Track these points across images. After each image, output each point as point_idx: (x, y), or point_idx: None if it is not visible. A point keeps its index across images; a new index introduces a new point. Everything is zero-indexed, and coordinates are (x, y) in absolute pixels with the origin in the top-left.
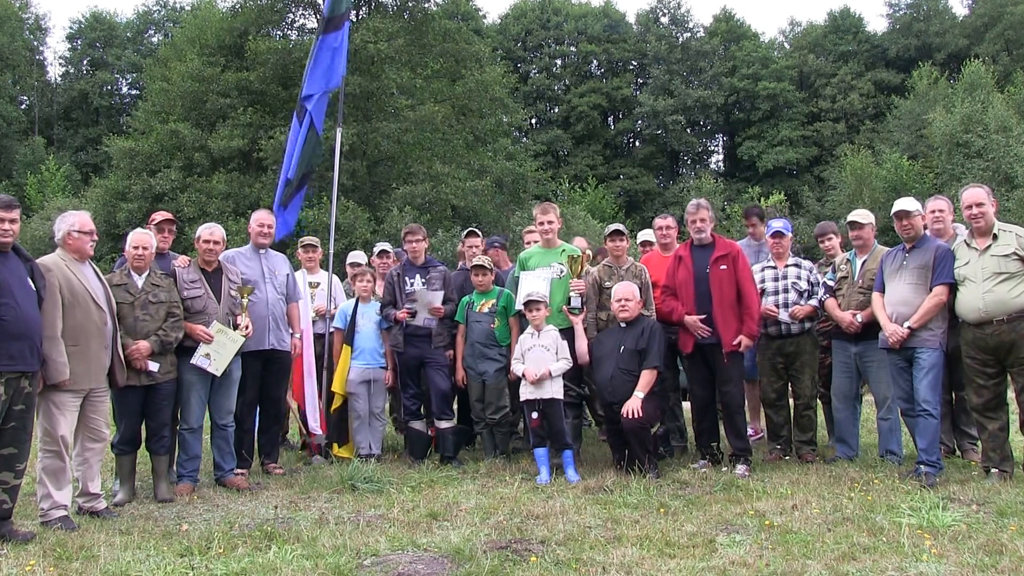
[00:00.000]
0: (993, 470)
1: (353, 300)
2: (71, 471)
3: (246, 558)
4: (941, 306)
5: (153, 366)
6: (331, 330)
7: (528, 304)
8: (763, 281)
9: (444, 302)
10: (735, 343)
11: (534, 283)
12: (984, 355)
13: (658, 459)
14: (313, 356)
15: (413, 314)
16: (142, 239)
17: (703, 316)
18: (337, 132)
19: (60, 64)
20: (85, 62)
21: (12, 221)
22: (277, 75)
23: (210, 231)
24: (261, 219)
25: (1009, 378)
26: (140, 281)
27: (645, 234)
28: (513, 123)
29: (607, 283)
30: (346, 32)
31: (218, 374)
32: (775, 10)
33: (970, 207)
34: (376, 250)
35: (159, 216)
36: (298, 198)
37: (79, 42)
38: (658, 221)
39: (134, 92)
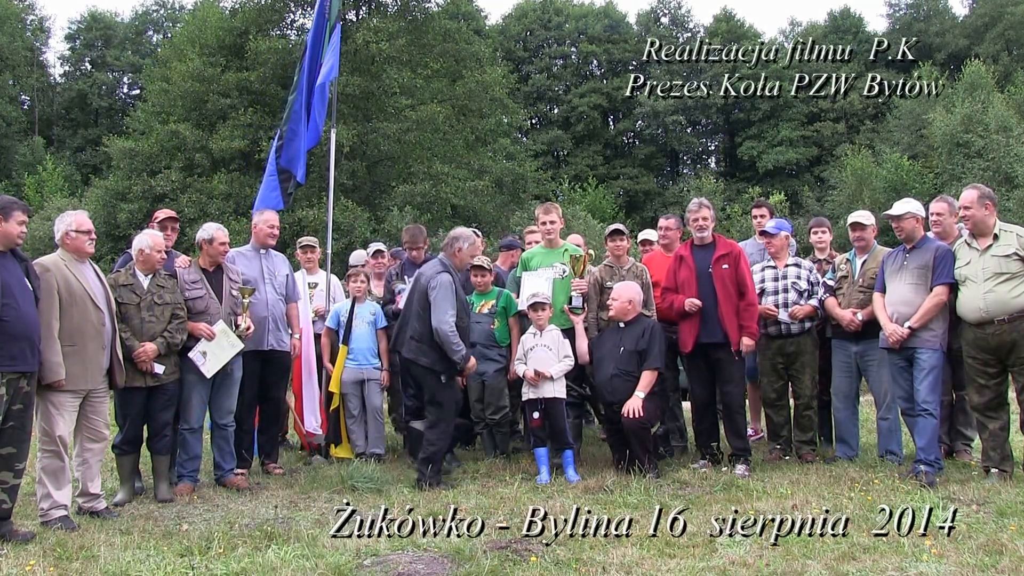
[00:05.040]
0: (993, 470)
1: (349, 300)
2: (71, 471)
3: (246, 558)
4: (941, 306)
5: (158, 368)
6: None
7: (533, 305)
8: (763, 281)
9: None
10: (741, 348)
11: (536, 283)
12: (985, 355)
13: (658, 459)
14: (313, 356)
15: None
16: (159, 241)
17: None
18: (332, 132)
19: (59, 64)
20: (84, 61)
21: (26, 224)
22: (277, 75)
23: (225, 233)
24: (271, 219)
25: (1010, 377)
26: (146, 282)
27: (644, 233)
28: (513, 123)
29: (608, 283)
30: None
31: (208, 375)
32: (775, 10)
33: (959, 209)
34: (370, 250)
35: (162, 214)
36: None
37: (78, 42)
38: (661, 221)
39: (134, 92)
